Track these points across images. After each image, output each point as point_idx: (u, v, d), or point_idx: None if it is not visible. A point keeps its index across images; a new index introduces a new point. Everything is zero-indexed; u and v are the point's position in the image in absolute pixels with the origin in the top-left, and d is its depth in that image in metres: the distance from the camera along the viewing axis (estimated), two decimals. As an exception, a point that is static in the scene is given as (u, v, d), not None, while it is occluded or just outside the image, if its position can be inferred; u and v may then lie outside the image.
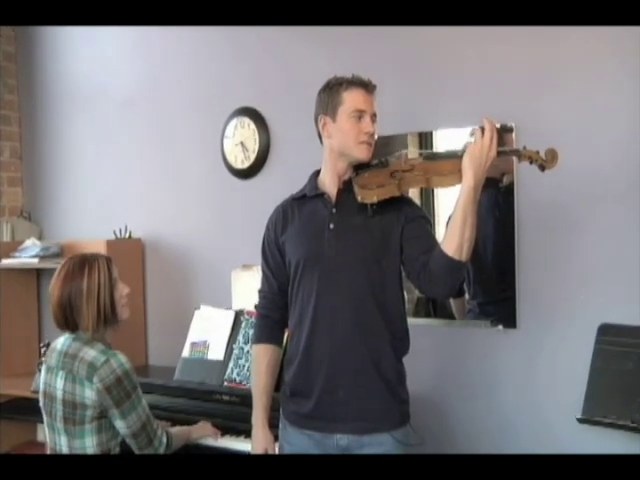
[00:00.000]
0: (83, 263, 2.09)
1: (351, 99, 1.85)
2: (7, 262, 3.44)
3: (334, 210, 1.89)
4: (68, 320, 2.07)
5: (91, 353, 2.03)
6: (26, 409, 3.12)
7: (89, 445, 2.03)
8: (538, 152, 1.78)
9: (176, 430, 2.32)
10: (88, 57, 3.61)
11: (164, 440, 2.15)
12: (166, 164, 3.36)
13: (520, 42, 2.43)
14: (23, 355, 3.56)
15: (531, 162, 1.78)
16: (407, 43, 2.66)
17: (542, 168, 1.78)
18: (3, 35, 3.81)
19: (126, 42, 3.48)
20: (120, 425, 2.05)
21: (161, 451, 2.14)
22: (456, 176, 1.75)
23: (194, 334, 2.82)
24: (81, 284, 2.05)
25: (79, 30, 3.60)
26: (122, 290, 2.15)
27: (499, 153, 1.73)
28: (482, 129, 1.71)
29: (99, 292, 2.06)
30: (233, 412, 2.49)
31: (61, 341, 2.12)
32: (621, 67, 2.27)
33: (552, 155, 1.76)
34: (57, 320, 2.10)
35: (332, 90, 1.88)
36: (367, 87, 1.87)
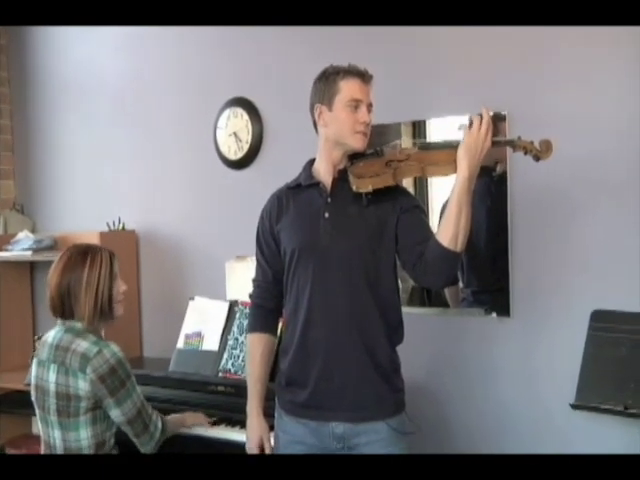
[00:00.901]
0: (86, 253, 2.09)
1: (347, 88, 1.85)
2: (0, 255, 3.43)
3: (329, 199, 1.89)
4: (65, 306, 2.07)
5: (83, 345, 2.03)
6: (21, 402, 3.11)
7: (84, 437, 2.03)
8: (532, 142, 1.79)
9: (170, 417, 2.33)
10: (80, 50, 3.58)
11: (159, 425, 2.16)
12: (159, 155, 3.35)
13: (513, 30, 2.42)
14: (17, 348, 3.55)
15: (525, 153, 1.79)
16: (400, 31, 2.65)
17: (537, 158, 1.79)
18: (-7, 27, 3.79)
19: (117, 34, 3.46)
20: (116, 414, 2.05)
21: (157, 436, 2.15)
22: (451, 166, 1.76)
23: (188, 325, 2.82)
24: (82, 273, 2.06)
25: (70, 21, 3.58)
26: (120, 287, 2.16)
27: (494, 143, 1.75)
28: (480, 116, 1.72)
29: (98, 283, 2.07)
30: (228, 402, 2.50)
31: (52, 334, 2.12)
32: (615, 53, 2.28)
33: (547, 146, 1.77)
34: (53, 306, 2.09)
35: (329, 79, 1.88)
36: (364, 77, 1.87)
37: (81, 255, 2.09)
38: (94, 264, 2.07)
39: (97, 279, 2.07)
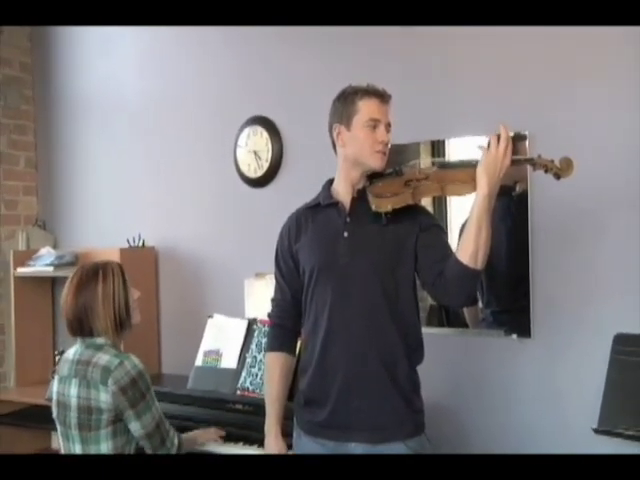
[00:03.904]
0: (96, 270, 2.12)
1: (366, 108, 1.86)
2: (22, 271, 3.47)
3: (348, 219, 1.90)
4: (83, 325, 2.08)
5: (105, 357, 2.05)
6: (41, 417, 3.12)
7: (104, 450, 2.04)
8: (553, 161, 1.77)
9: (184, 435, 2.34)
10: (102, 68, 3.64)
11: (175, 441, 2.17)
12: (179, 173, 3.38)
13: (533, 50, 2.43)
14: (38, 363, 3.58)
15: (546, 171, 1.78)
16: (420, 52, 2.67)
17: (557, 177, 1.77)
18: (19, 46, 3.85)
19: (139, 53, 3.52)
20: (135, 427, 2.06)
21: (173, 452, 2.16)
22: (470, 185, 1.75)
23: (207, 343, 2.83)
24: (96, 289, 2.08)
25: (94, 41, 3.65)
26: (134, 294, 2.18)
27: (513, 162, 1.73)
28: (498, 136, 1.71)
29: (114, 295, 2.09)
30: (246, 421, 2.49)
31: (72, 351, 2.14)
32: (636, 74, 2.26)
33: (567, 164, 1.76)
34: (71, 327, 2.12)
35: (347, 99, 1.89)
36: (382, 97, 1.88)
37: (92, 273, 2.11)
38: (107, 278, 2.10)
39: (112, 291, 2.09)
